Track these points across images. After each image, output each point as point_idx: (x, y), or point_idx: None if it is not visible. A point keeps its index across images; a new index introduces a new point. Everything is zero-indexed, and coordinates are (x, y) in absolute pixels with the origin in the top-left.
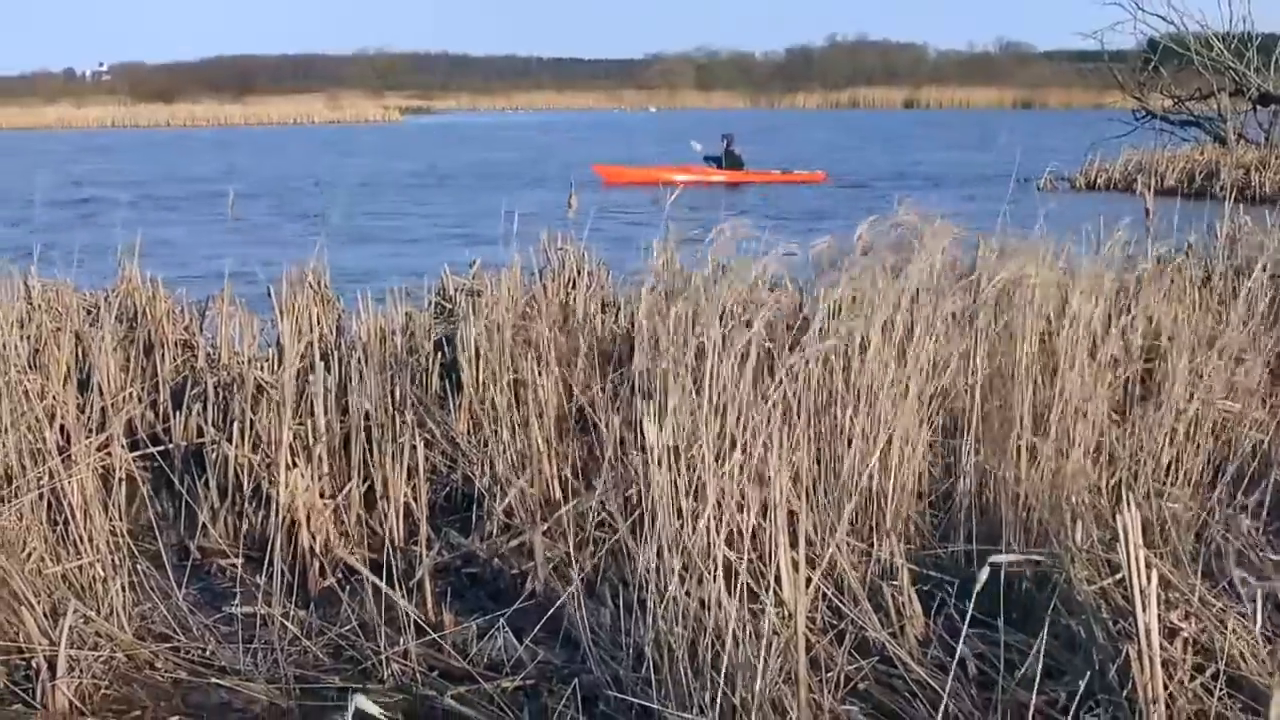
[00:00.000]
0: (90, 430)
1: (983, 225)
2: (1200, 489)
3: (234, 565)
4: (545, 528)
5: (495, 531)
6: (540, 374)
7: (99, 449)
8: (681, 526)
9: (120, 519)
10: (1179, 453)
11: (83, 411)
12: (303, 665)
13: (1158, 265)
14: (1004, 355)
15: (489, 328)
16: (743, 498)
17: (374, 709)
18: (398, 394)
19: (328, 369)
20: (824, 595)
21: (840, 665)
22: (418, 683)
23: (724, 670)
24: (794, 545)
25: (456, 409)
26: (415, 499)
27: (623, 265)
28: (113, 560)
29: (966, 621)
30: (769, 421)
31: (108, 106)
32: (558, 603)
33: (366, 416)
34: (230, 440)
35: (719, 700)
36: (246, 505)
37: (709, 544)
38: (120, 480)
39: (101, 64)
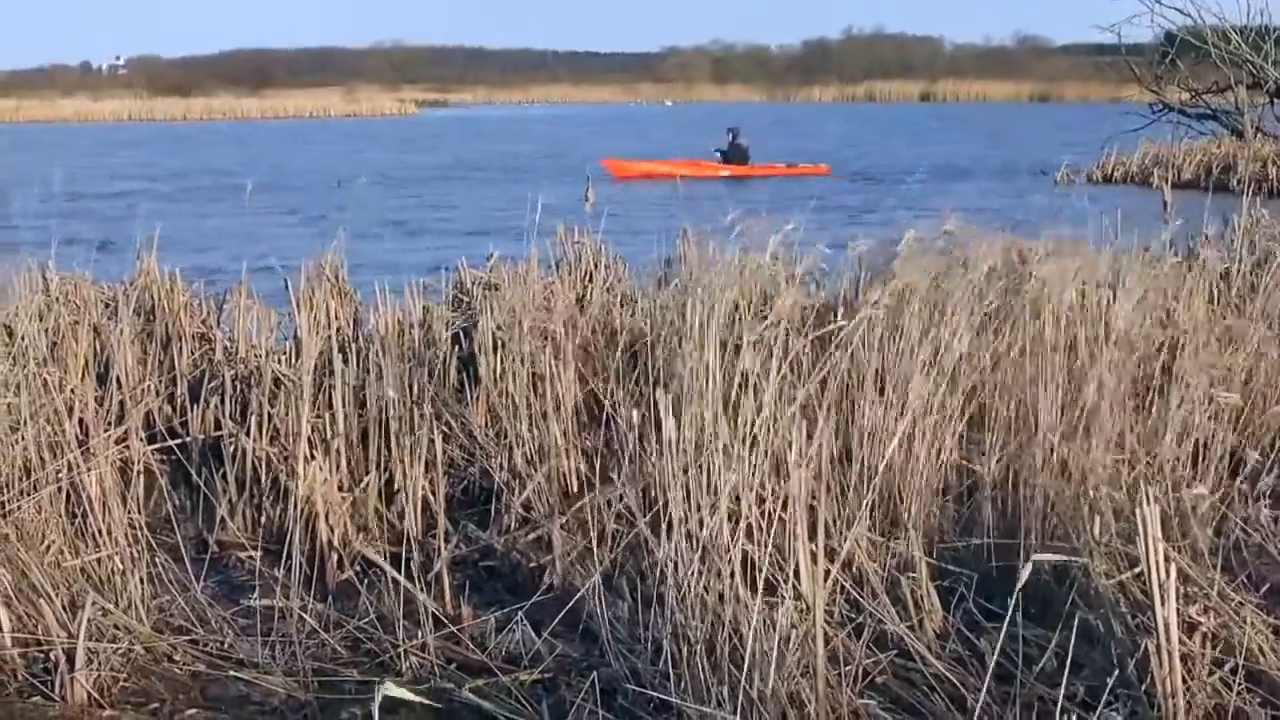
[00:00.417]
0: (108, 423)
1: (1002, 219)
2: (1219, 482)
3: (252, 558)
4: (563, 521)
5: (513, 524)
6: (558, 367)
7: (117, 442)
8: (700, 520)
9: (139, 512)
10: (1198, 446)
11: (101, 405)
12: (321, 658)
13: (1175, 259)
14: (1025, 350)
15: (507, 321)
16: (762, 490)
17: (402, 691)
18: (415, 387)
19: (345, 362)
20: (842, 589)
21: (858, 659)
22: (436, 675)
23: (743, 664)
24: (813, 538)
25: (474, 402)
26: (433, 492)
27: (635, 258)
28: (131, 553)
29: (1014, 615)
30: (790, 414)
31: (124, 100)
32: (576, 596)
33: (384, 409)
34: (248, 433)
35: (737, 694)
36: (264, 498)
37: (727, 537)
38: (138, 473)
39: (118, 57)
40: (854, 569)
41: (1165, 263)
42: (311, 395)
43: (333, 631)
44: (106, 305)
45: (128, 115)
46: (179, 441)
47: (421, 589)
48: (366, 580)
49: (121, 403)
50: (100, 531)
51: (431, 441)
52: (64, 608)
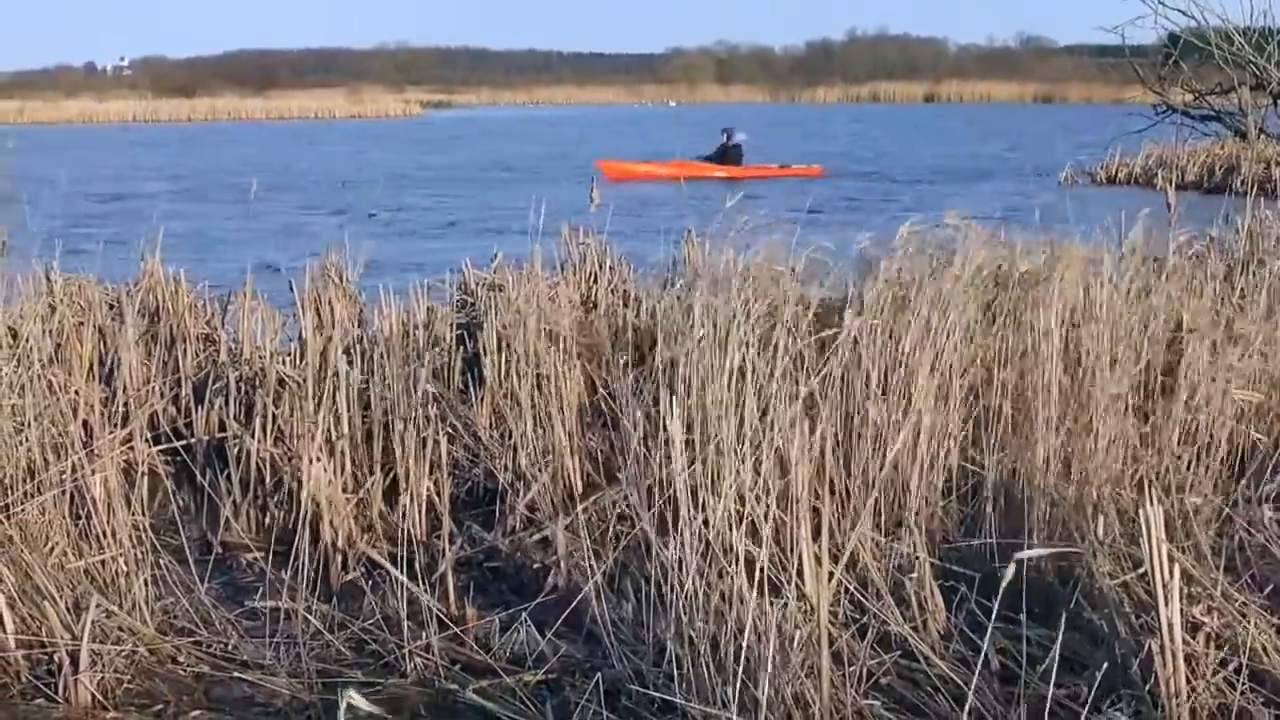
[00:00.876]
0: (113, 425)
1: (1006, 219)
2: (1222, 482)
3: (256, 559)
4: (568, 522)
5: (517, 525)
6: (563, 367)
7: (122, 443)
8: (705, 520)
9: (143, 513)
10: (1201, 446)
11: (105, 406)
12: (325, 659)
13: (1179, 259)
14: (1028, 350)
15: (511, 321)
16: (765, 490)
17: (366, 704)
18: (420, 388)
19: (350, 363)
20: (846, 589)
21: (862, 659)
22: (440, 676)
23: (747, 664)
24: (816, 538)
25: (479, 403)
26: (438, 493)
27: (634, 259)
28: (135, 554)
29: (997, 609)
30: (792, 413)
31: (129, 101)
32: (579, 596)
33: (388, 410)
34: (253, 434)
35: (742, 695)
36: (269, 499)
37: (730, 537)
38: (143, 474)
39: (122, 58)
40: (857, 569)
41: (1169, 263)
42: (316, 396)
43: (337, 633)
44: (111, 306)
45: (132, 116)
46: (184, 443)
47: (426, 590)
48: (371, 581)
49: (126, 404)
50: (104, 533)
51: (436, 442)
52: (68, 609)
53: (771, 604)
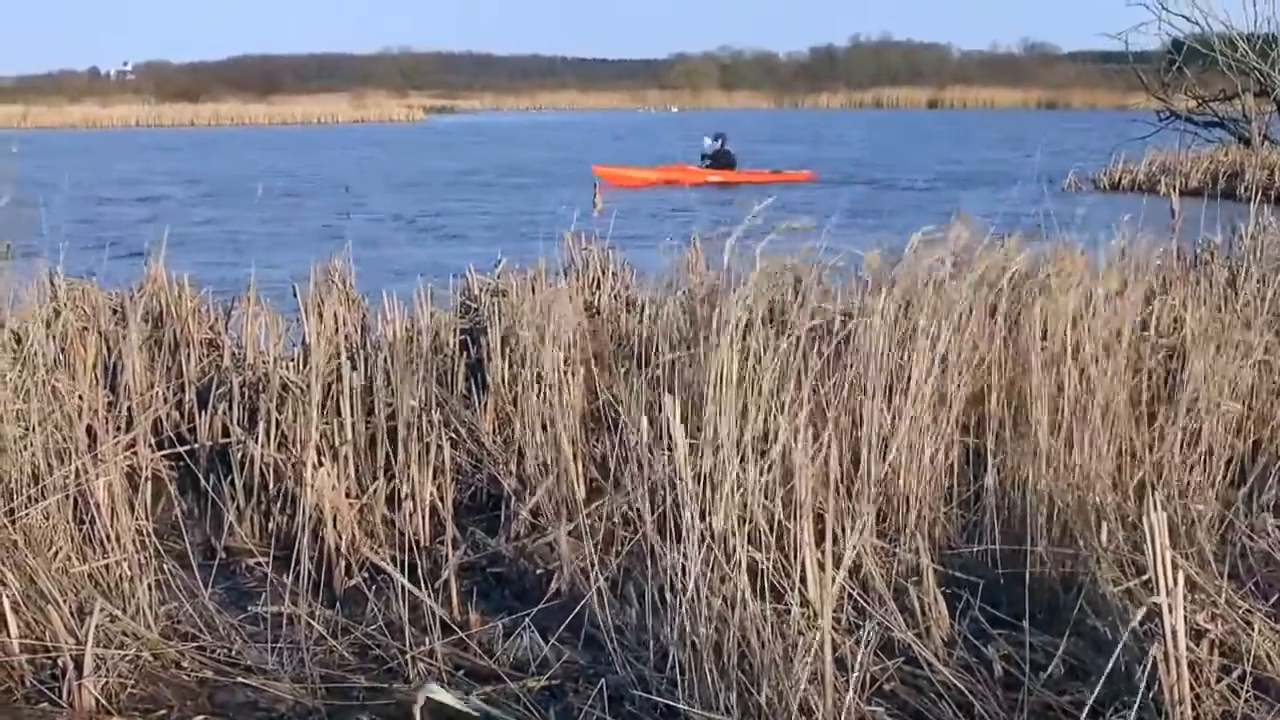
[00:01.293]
0: (117, 429)
1: (1009, 225)
2: (1225, 489)
3: (260, 564)
4: (571, 527)
5: (521, 531)
6: (566, 373)
7: (125, 448)
8: (708, 526)
9: (146, 518)
10: (1204, 453)
11: (109, 410)
12: (328, 664)
13: (1182, 265)
14: (1029, 355)
15: (515, 327)
16: (768, 496)
17: (448, 697)
18: (424, 393)
19: (354, 368)
20: (849, 595)
21: (865, 665)
22: (444, 682)
23: (750, 670)
24: (820, 544)
25: (482, 408)
26: (441, 498)
27: (635, 264)
28: (139, 559)
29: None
30: (796, 420)
31: (132, 106)
32: (583, 602)
33: (392, 416)
34: (256, 439)
35: (745, 700)
36: (272, 505)
37: (733, 543)
38: (146, 479)
39: (126, 63)
40: (860, 575)
41: (1172, 270)
42: (319, 402)
43: (340, 638)
44: (115, 311)
45: (136, 121)
46: (187, 448)
47: (429, 595)
48: (374, 587)
49: (130, 409)
50: (108, 538)
51: (439, 448)
52: (72, 614)
53: (774, 609)
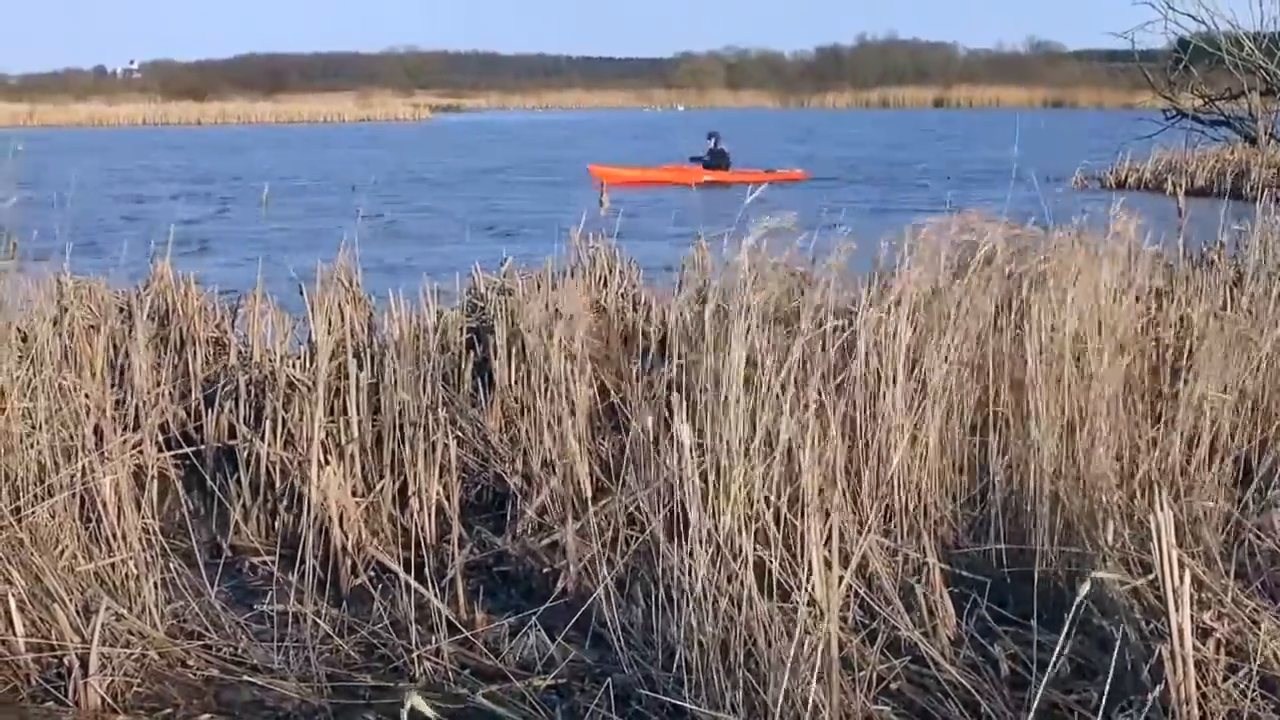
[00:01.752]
0: (123, 428)
1: (1015, 223)
2: (1232, 488)
3: (266, 563)
4: (577, 526)
5: (527, 530)
6: (573, 371)
7: (132, 447)
8: (714, 525)
9: (153, 517)
10: (1210, 450)
11: (116, 409)
12: (334, 663)
13: (1188, 263)
14: (1035, 353)
15: (521, 325)
16: (775, 494)
17: (427, 709)
18: (430, 392)
19: (360, 367)
20: (856, 594)
21: (872, 665)
22: (450, 681)
23: (757, 669)
24: (826, 543)
25: (489, 406)
26: (447, 497)
27: (641, 263)
28: (145, 558)
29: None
30: (803, 418)
31: (139, 104)
32: (589, 601)
33: (398, 414)
34: (262, 438)
35: (751, 699)
36: (279, 503)
37: (740, 542)
38: (153, 477)
39: (132, 61)
40: (867, 574)
41: (1179, 268)
42: (326, 400)
43: (347, 637)
44: (121, 310)
45: (142, 119)
46: (194, 449)
47: (435, 594)
48: (380, 585)
49: (136, 407)
50: (114, 536)
51: (446, 446)
52: (78, 613)
53: (781, 608)
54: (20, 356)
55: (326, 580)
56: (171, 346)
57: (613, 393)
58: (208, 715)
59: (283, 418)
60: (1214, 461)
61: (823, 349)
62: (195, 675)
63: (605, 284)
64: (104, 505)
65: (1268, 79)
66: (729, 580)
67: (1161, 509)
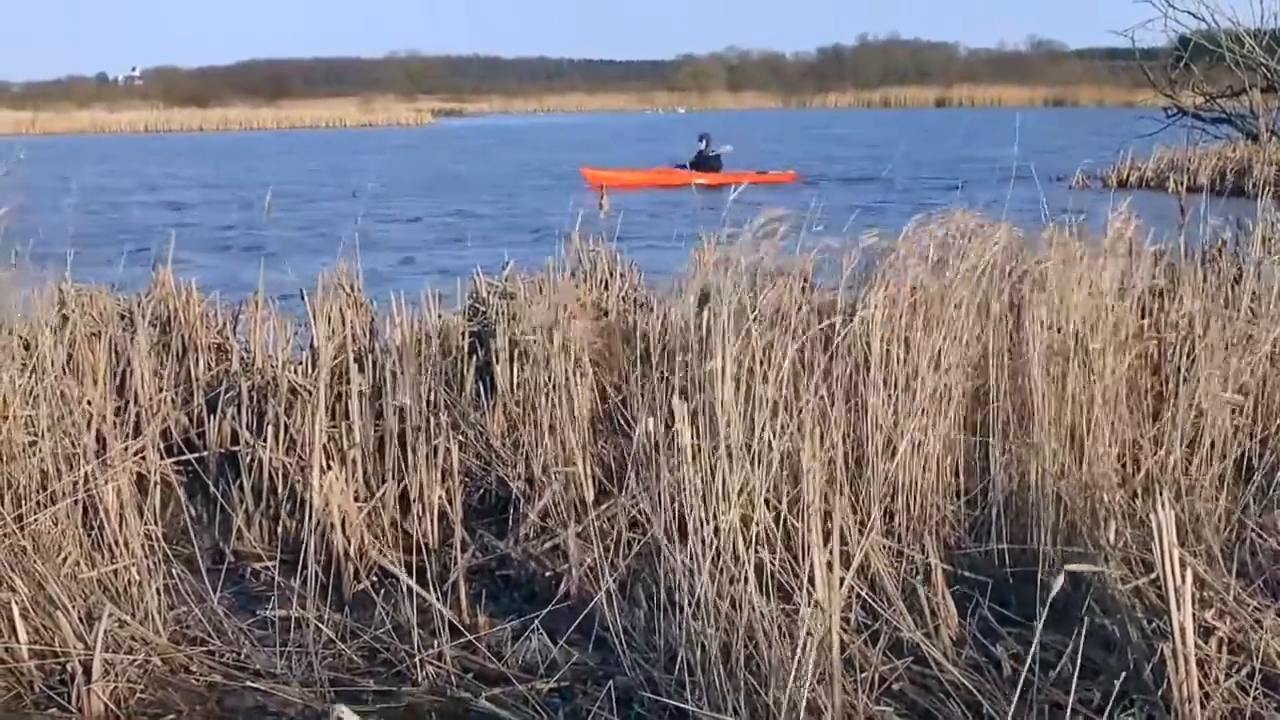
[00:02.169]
0: (126, 435)
1: (1015, 221)
2: (1234, 486)
3: (269, 569)
4: (580, 529)
5: (530, 533)
6: (575, 375)
7: (134, 453)
8: (715, 527)
9: (155, 523)
10: (1211, 449)
11: (118, 416)
12: (337, 668)
13: (1189, 262)
14: (1034, 352)
15: (523, 329)
16: (776, 496)
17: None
18: (432, 396)
19: (361, 372)
20: (858, 595)
21: (874, 665)
22: (452, 685)
23: (759, 671)
24: (828, 544)
25: (491, 410)
26: (450, 501)
27: (641, 265)
28: (148, 564)
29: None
30: (803, 418)
31: (141, 111)
32: (591, 604)
33: (401, 419)
34: (265, 444)
35: (753, 701)
36: (281, 509)
37: (741, 543)
38: (155, 484)
39: (134, 68)
40: (868, 575)
41: (1180, 265)
42: (328, 405)
43: (349, 641)
44: (123, 316)
45: (144, 126)
46: (197, 456)
47: (438, 598)
48: (383, 590)
49: (138, 414)
50: (117, 543)
51: (448, 450)
52: (81, 619)
53: (783, 610)
54: (22, 364)
55: (329, 585)
56: (173, 353)
57: (614, 396)
58: None
59: (285, 423)
60: (1215, 460)
61: (824, 350)
62: (198, 681)
63: (607, 287)
64: (106, 512)
65: (1268, 76)
66: (731, 582)
67: (1163, 508)
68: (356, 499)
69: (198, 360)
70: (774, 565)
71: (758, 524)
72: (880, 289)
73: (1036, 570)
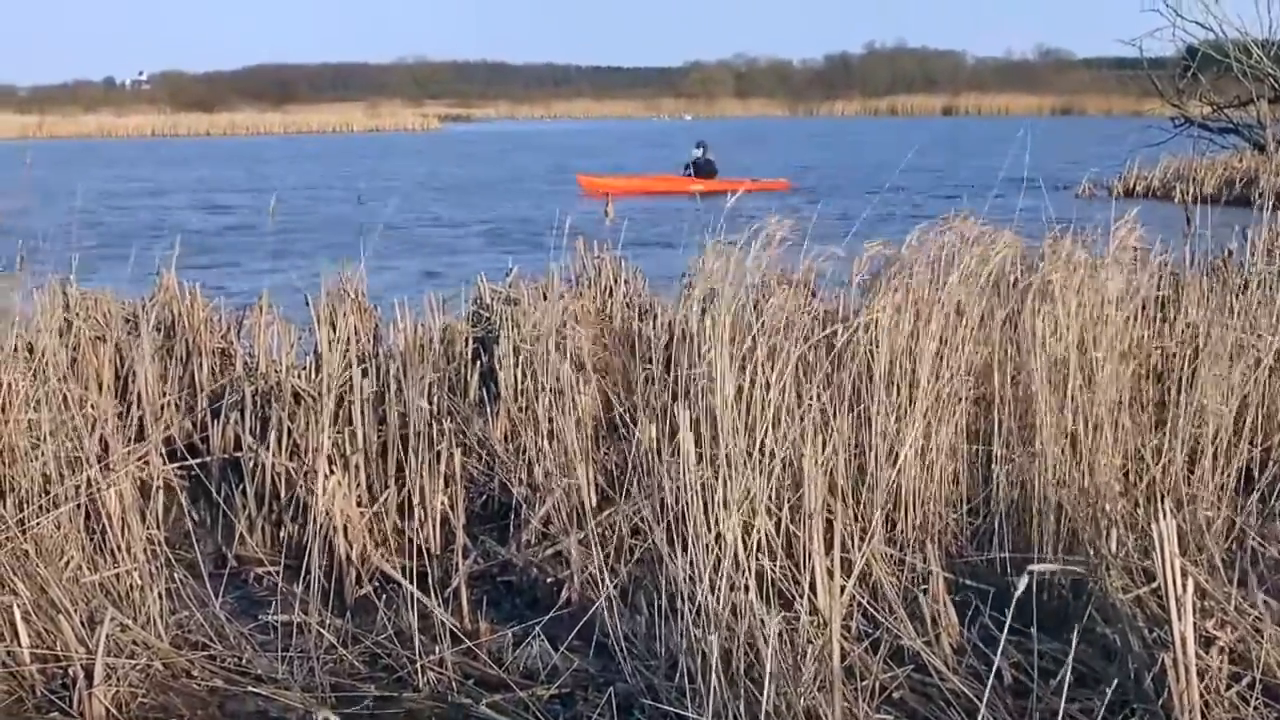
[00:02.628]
0: (128, 439)
1: (1019, 230)
2: (1235, 496)
3: (271, 574)
4: (581, 536)
5: (531, 539)
6: (578, 382)
7: (137, 458)
8: (716, 535)
9: (158, 527)
10: (1213, 459)
11: (121, 420)
12: (339, 674)
13: (1194, 272)
14: (1037, 360)
15: (527, 335)
16: (777, 504)
17: None
18: (435, 402)
19: (365, 377)
20: (858, 603)
21: (875, 674)
22: (453, 691)
23: (759, 679)
24: (829, 552)
25: (493, 417)
26: (452, 507)
27: (644, 272)
28: (150, 569)
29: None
30: (804, 426)
31: (148, 115)
32: (592, 610)
33: (404, 425)
34: (268, 449)
35: (754, 709)
36: (284, 514)
37: (742, 551)
38: (158, 488)
39: (141, 73)
40: (869, 583)
41: (1185, 275)
42: (331, 411)
43: (351, 647)
44: (127, 321)
45: (151, 131)
46: (200, 460)
47: (439, 604)
48: (385, 596)
49: (142, 418)
50: (119, 547)
51: (451, 456)
52: (83, 623)
53: (783, 617)
54: (26, 368)
55: (331, 590)
56: (177, 358)
57: (616, 403)
58: None
59: (288, 428)
60: (1217, 469)
61: (828, 356)
62: (200, 686)
63: (610, 293)
64: (109, 516)
65: (1276, 86)
66: (731, 590)
67: (1164, 517)
68: (359, 504)
69: (201, 365)
70: (775, 572)
71: (759, 531)
72: (884, 296)
73: (1034, 578)
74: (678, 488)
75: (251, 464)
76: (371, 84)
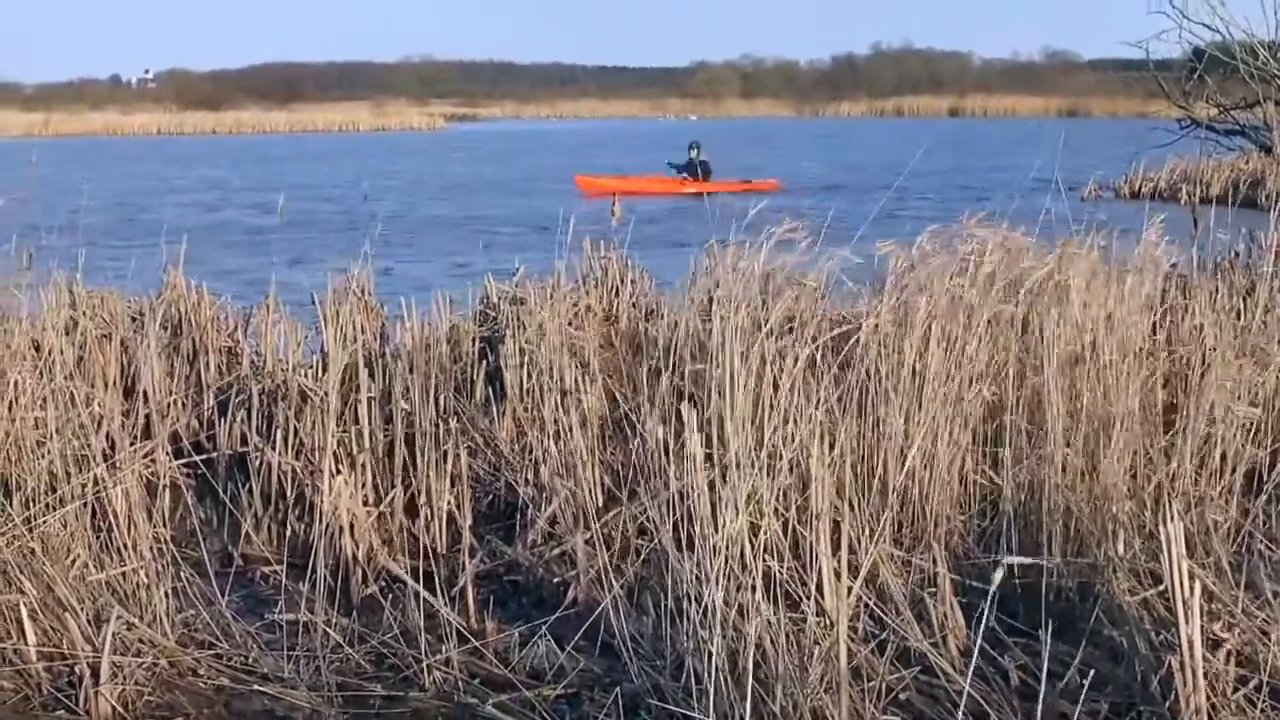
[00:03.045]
0: (135, 437)
1: (1026, 232)
2: (1242, 499)
3: (277, 572)
4: (588, 536)
5: (538, 539)
6: (584, 381)
7: (144, 456)
8: (723, 535)
9: (164, 526)
10: (1221, 461)
11: (127, 418)
12: (345, 673)
13: (1202, 274)
14: (1044, 363)
15: (534, 335)
16: (784, 503)
17: None
18: (442, 401)
19: (371, 376)
20: (865, 604)
21: (882, 675)
22: (460, 690)
23: (766, 679)
24: (836, 553)
25: (500, 416)
26: (458, 506)
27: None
28: (156, 567)
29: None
30: (812, 427)
31: (153, 114)
32: (599, 610)
33: (410, 424)
34: (274, 447)
35: (760, 710)
36: (290, 512)
37: (749, 552)
38: (164, 487)
39: (147, 71)
40: (877, 584)
41: (1192, 277)
42: (337, 410)
43: (357, 646)
44: (134, 319)
45: (157, 129)
46: (205, 457)
47: (446, 603)
48: (391, 595)
49: (148, 416)
50: (125, 546)
51: (457, 456)
52: (89, 622)
53: (790, 618)
54: (32, 366)
55: (337, 589)
56: (184, 356)
57: (623, 403)
58: None
59: (294, 427)
60: (1225, 472)
61: (835, 357)
62: (206, 684)
63: (617, 293)
64: (115, 514)
65: None
66: (738, 590)
67: (1172, 520)
68: (365, 503)
69: (208, 363)
70: (782, 574)
71: (766, 532)
72: (893, 298)
73: (1044, 582)
74: (684, 488)
75: (258, 462)
76: (377, 83)
